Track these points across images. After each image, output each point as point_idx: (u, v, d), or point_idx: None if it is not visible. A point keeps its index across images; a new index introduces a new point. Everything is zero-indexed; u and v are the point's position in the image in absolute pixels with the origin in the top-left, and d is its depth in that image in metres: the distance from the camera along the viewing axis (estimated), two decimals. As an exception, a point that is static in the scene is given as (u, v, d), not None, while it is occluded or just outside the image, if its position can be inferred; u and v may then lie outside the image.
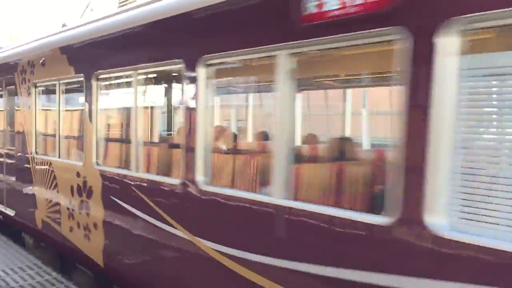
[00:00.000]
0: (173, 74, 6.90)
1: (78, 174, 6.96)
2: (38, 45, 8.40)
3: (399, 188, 3.08)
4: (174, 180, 5.09)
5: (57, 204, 7.61)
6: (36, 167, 8.39)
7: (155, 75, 6.58)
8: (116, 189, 6.10)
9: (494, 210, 2.74)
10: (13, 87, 9.37)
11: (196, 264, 4.79)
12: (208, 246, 4.56)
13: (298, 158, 4.38)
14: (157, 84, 7.26)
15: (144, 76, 6.08)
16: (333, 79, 6.67)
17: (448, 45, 2.84)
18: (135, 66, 5.66)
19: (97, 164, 6.55)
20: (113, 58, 6.22)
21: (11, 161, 9.58)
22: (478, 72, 2.82)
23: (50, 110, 8.25)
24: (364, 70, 5.67)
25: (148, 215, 5.40)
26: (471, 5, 2.74)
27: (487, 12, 2.67)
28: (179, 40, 5.07)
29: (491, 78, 2.84)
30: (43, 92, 8.39)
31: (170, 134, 8.30)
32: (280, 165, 3.90)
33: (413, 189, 3.00)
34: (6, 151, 9.96)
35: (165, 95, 8.47)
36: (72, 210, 7.13)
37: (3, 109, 10.30)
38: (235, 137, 6.60)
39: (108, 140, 6.80)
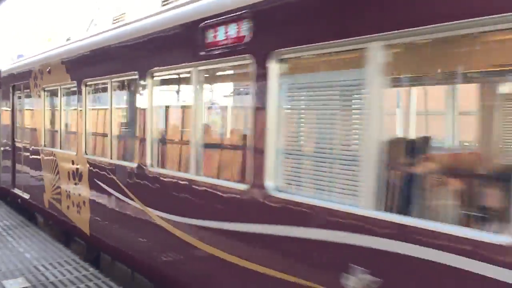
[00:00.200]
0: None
1: (73, 162, 8.60)
2: (46, 56, 10.11)
3: (250, 166, 4.52)
4: (131, 164, 6.63)
5: (59, 187, 9.29)
6: (44, 157, 10.11)
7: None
8: (97, 173, 7.69)
9: (303, 178, 4.16)
10: (28, 90, 11.14)
11: (145, 224, 6.31)
12: (153, 213, 6.08)
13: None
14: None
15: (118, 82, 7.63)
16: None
17: (273, 68, 4.26)
18: (112, 75, 7.21)
19: (86, 153, 8.17)
20: (97, 68, 7.80)
21: (27, 153, 11.35)
22: (292, 86, 4.25)
23: (55, 109, 9.92)
24: (236, 85, 6.24)
25: (117, 192, 6.97)
26: (282, 43, 4.16)
27: (291, 47, 4.09)
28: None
29: (301, 90, 4.26)
30: (50, 94, 10.08)
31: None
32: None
33: (258, 165, 4.43)
34: (23, 144, 11.73)
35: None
36: (69, 191, 8.79)
37: (21, 108, 12.08)
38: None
39: (95, 134, 8.39)
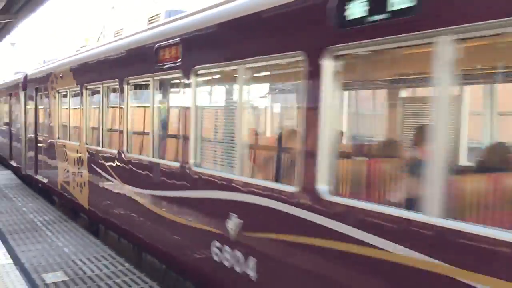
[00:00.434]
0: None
1: (77, 151, 10.61)
2: (59, 64, 12.20)
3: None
4: (112, 151, 8.54)
5: (68, 171, 11.34)
6: (58, 148, 12.19)
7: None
8: (93, 159, 9.65)
9: (211, 156, 5.96)
10: (47, 92, 13.26)
11: (123, 197, 8.20)
12: (128, 188, 7.96)
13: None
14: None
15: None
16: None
17: (192, 81, 6.04)
18: (102, 81, 9.16)
19: (86, 143, 10.16)
20: (93, 76, 9.75)
21: (46, 145, 13.48)
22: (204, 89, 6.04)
23: (66, 108, 11.98)
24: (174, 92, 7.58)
25: (105, 173, 8.90)
26: (199, 62, 5.95)
27: (204, 65, 5.88)
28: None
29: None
30: (62, 96, 12.14)
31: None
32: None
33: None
34: (43, 138, 13.88)
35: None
36: (74, 174, 10.81)
37: (42, 107, 14.23)
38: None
39: (92, 128, 10.35)
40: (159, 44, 6.86)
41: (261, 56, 4.89)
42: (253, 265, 4.95)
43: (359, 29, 3.75)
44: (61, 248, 8.27)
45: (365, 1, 3.69)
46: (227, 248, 5.37)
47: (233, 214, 5.27)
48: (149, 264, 7.58)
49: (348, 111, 6.31)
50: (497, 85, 5.76)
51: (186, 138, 6.22)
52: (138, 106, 8.16)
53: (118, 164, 8.38)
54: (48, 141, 13.15)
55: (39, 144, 14.25)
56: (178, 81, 6.63)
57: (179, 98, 6.64)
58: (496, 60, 4.84)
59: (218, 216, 5.56)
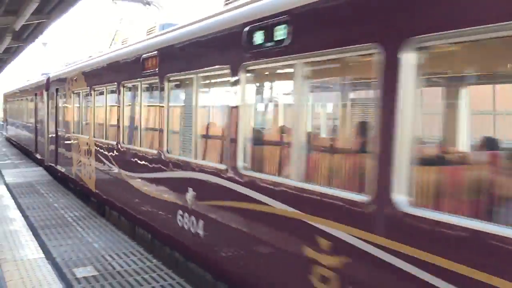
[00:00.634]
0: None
1: (87, 144, 12.42)
2: (74, 68, 14.08)
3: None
4: (111, 142, 10.27)
5: (80, 161, 13.17)
6: (73, 141, 14.05)
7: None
8: (99, 150, 11.42)
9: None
10: (65, 92, 15.16)
11: (117, 180, 9.90)
12: (123, 172, 9.68)
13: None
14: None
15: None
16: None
17: (166, 85, 7.67)
18: (106, 84, 10.91)
19: (94, 137, 11.94)
20: (99, 79, 11.51)
21: (64, 139, 15.37)
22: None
23: (79, 106, 13.82)
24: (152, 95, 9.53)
25: (109, 162, 10.66)
26: (170, 71, 7.60)
27: (175, 72, 7.51)
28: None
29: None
30: (76, 96, 13.98)
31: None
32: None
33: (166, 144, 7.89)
34: (62, 132, 15.78)
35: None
36: (84, 163, 12.63)
37: (61, 106, 16.14)
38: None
39: (99, 124, 12.11)
40: (143, 55, 8.54)
41: (208, 67, 6.51)
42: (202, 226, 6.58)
43: (260, 51, 5.32)
44: (91, 244, 8.42)
45: (262, 32, 5.27)
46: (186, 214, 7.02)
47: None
48: (175, 261, 7.77)
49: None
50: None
51: (162, 131, 7.87)
52: (128, 105, 9.88)
53: (115, 152, 10.12)
54: (66, 136, 15.03)
55: (59, 138, 16.18)
56: (157, 85, 8.29)
57: (158, 98, 8.27)
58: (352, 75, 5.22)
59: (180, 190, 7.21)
